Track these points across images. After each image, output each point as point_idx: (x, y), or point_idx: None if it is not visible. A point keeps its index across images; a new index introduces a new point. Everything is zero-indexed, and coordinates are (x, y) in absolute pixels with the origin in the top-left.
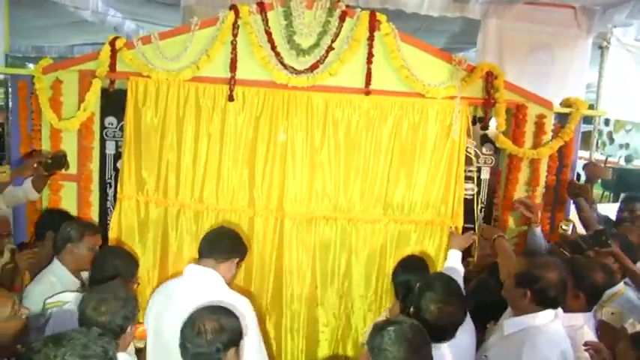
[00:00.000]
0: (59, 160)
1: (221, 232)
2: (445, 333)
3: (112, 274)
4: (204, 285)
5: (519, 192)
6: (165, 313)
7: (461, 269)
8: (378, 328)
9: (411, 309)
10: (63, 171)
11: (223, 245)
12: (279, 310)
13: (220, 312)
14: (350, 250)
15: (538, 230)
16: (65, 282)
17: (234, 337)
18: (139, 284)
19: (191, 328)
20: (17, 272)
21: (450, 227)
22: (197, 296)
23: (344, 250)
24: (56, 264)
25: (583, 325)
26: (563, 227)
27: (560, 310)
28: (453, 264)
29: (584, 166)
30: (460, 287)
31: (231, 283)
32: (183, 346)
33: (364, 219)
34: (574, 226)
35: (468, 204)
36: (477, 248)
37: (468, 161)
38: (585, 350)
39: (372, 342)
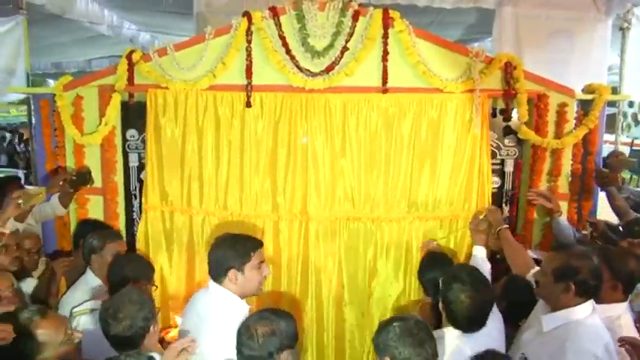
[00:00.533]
0: (83, 177)
1: (213, 247)
2: (476, 322)
3: (129, 279)
4: (219, 306)
5: (543, 183)
6: (184, 324)
7: (487, 266)
8: (383, 325)
9: (440, 303)
10: (88, 186)
11: (212, 265)
12: (307, 312)
13: (273, 316)
14: (375, 250)
15: (562, 219)
16: (98, 290)
17: (287, 340)
18: (156, 287)
19: (245, 332)
20: (54, 279)
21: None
22: (204, 313)
23: (369, 249)
24: (89, 274)
25: (620, 316)
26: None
27: (594, 302)
28: (478, 261)
29: (608, 157)
30: (485, 275)
31: (256, 288)
32: (239, 351)
33: (388, 218)
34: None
35: (493, 198)
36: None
37: (491, 154)
38: (620, 346)
39: (377, 339)
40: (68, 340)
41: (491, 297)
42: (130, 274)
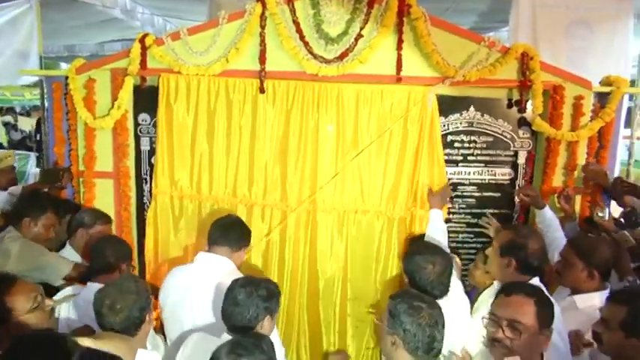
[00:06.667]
0: (55, 174)
1: (233, 220)
2: (440, 285)
3: (108, 261)
4: (219, 273)
5: (557, 176)
6: (183, 304)
7: (444, 228)
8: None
9: (405, 279)
10: (63, 183)
11: (237, 234)
12: (313, 303)
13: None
14: (381, 244)
15: (573, 224)
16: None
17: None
18: (135, 268)
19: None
20: None
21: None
22: (214, 285)
23: (376, 243)
24: (68, 249)
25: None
26: (599, 214)
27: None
28: (436, 224)
29: (583, 167)
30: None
31: (240, 269)
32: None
33: (397, 212)
34: (610, 212)
35: (505, 189)
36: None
37: (505, 145)
38: None
39: None
40: (38, 307)
41: (450, 262)
42: (110, 256)
